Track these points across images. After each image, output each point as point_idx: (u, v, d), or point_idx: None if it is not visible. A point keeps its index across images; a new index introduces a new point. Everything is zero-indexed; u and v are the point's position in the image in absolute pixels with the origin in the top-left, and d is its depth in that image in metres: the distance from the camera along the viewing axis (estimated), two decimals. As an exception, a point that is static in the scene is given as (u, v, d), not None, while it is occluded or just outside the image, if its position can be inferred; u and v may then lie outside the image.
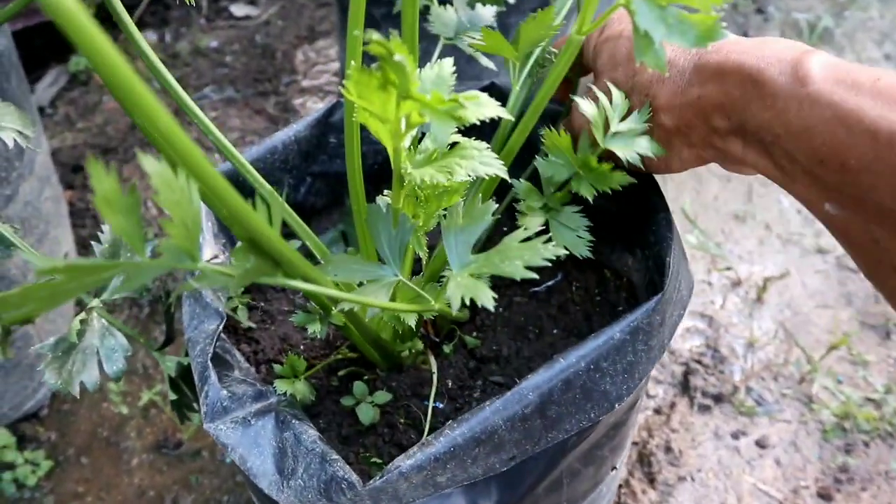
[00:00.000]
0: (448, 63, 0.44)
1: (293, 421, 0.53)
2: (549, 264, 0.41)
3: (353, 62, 0.40)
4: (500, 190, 0.74)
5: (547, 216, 0.62)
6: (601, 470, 0.66)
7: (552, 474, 0.57)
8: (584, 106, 0.54)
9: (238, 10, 1.75)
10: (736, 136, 0.47)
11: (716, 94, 0.47)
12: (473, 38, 0.68)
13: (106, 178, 0.30)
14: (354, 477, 0.47)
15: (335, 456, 0.49)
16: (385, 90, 0.38)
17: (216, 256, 0.66)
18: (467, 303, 0.41)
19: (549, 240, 0.43)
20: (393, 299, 0.56)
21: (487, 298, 0.41)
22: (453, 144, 0.45)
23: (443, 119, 0.37)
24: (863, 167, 0.38)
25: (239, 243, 0.37)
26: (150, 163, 0.31)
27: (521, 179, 0.62)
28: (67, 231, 1.07)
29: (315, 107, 1.54)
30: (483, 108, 0.39)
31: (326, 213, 0.82)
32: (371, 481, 0.46)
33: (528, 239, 0.44)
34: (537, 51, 0.65)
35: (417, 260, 0.62)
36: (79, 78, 1.55)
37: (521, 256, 0.42)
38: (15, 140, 0.65)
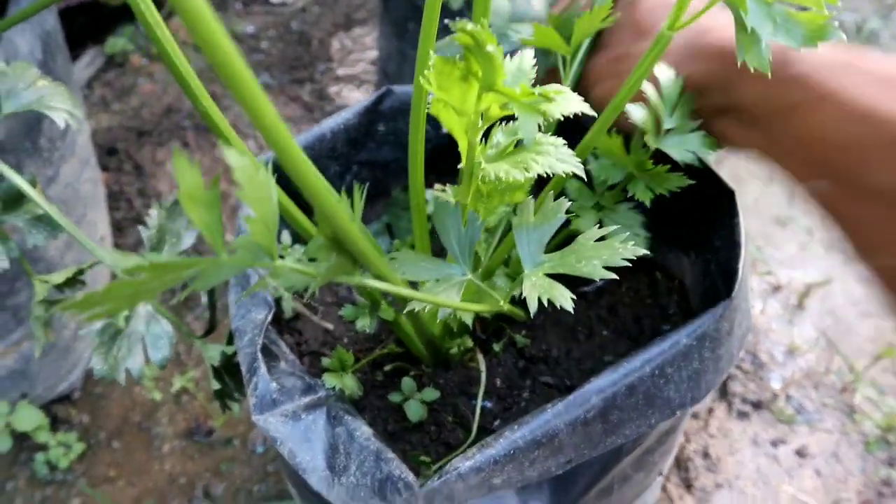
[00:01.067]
0: (529, 54, 0.42)
1: (345, 416, 0.52)
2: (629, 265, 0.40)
3: (431, 52, 0.38)
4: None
5: (600, 214, 0.60)
6: (650, 475, 0.64)
7: (605, 479, 0.56)
8: (634, 112, 0.52)
9: (274, -4, 1.74)
10: (725, 114, 0.48)
11: (704, 74, 0.47)
12: (520, 33, 0.66)
13: (190, 172, 0.29)
14: (411, 477, 0.46)
15: (391, 455, 0.47)
16: (466, 81, 0.37)
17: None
18: (545, 303, 0.40)
19: (627, 239, 0.42)
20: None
21: (566, 299, 0.39)
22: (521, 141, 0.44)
23: (529, 113, 0.35)
24: (851, 145, 0.39)
25: (317, 240, 0.36)
26: (235, 157, 0.30)
27: (572, 179, 0.60)
28: (104, 214, 1.07)
29: (351, 95, 1.52)
30: (569, 103, 0.37)
31: (370, 203, 0.80)
32: (428, 482, 0.45)
33: (602, 238, 0.43)
34: (585, 43, 0.63)
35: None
36: (115, 60, 1.55)
37: (598, 256, 0.41)
38: (65, 120, 0.65)
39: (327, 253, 0.35)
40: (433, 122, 0.76)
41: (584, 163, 0.61)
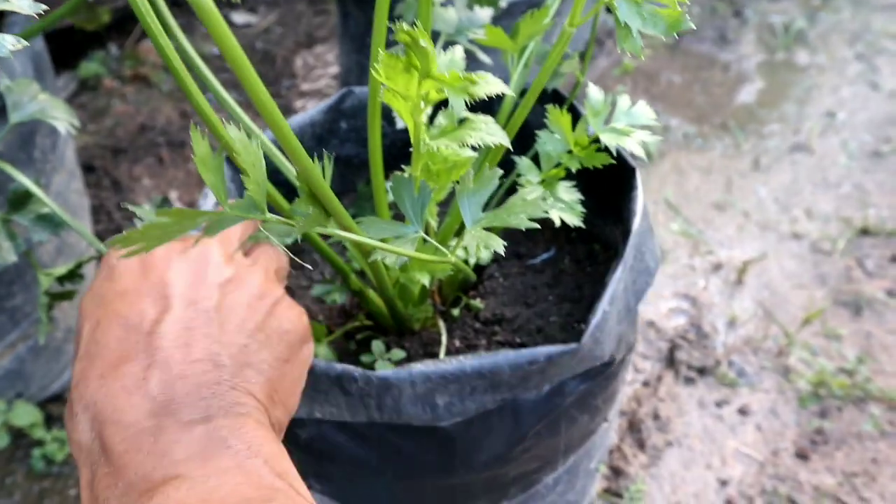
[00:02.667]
0: (459, 50, 0.51)
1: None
2: (544, 234, 0.49)
3: (380, 50, 0.47)
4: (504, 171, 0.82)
5: (544, 189, 0.69)
6: (595, 419, 0.73)
7: (551, 416, 0.64)
8: (593, 92, 0.62)
9: (239, 17, 1.83)
10: None
11: None
12: (476, 34, 0.76)
13: (202, 143, 0.37)
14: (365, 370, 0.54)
15: (341, 363, 0.55)
16: (408, 72, 0.46)
17: None
18: (482, 254, 0.48)
19: (545, 199, 0.51)
20: (406, 266, 0.63)
21: (499, 245, 0.48)
22: (463, 120, 0.52)
23: (458, 93, 0.44)
24: None
25: (300, 198, 0.44)
26: (234, 131, 0.38)
27: (522, 157, 0.70)
28: (88, 224, 1.14)
29: (316, 108, 1.61)
30: (491, 85, 0.46)
31: (337, 197, 0.89)
32: (382, 373, 0.53)
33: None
34: (531, 45, 0.73)
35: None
36: (88, 83, 1.62)
37: (525, 210, 0.50)
38: (59, 130, 0.73)
39: (306, 206, 0.43)
40: (389, 118, 0.85)
41: (530, 144, 0.71)
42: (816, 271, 1.27)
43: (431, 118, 0.61)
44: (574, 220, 0.67)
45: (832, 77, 1.69)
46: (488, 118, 0.52)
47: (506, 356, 0.54)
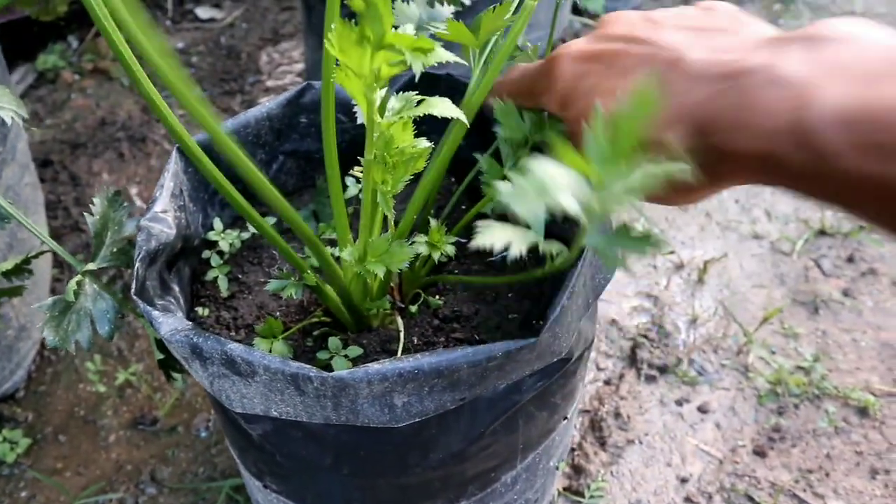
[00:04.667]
0: (410, 28, 0.51)
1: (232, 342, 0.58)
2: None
3: (333, 24, 0.46)
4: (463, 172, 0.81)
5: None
6: (553, 417, 0.73)
7: (508, 412, 0.64)
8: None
9: (203, 12, 1.80)
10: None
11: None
12: (437, 28, 0.76)
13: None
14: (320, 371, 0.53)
15: (295, 362, 0.54)
16: (361, 45, 0.45)
17: (166, 210, 0.70)
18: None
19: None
20: (363, 257, 0.63)
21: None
22: (420, 102, 0.52)
23: (416, 56, 0.44)
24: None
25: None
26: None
27: (483, 154, 0.69)
28: (43, 219, 1.11)
29: (280, 104, 1.59)
30: (442, 54, 0.46)
31: (297, 194, 0.88)
32: (338, 372, 0.52)
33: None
34: (492, 40, 0.72)
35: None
36: (46, 76, 1.58)
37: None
38: (2, 121, 0.70)
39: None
40: (350, 113, 0.84)
41: (491, 142, 0.70)
42: (775, 271, 1.29)
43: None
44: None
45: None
46: (444, 98, 0.52)
47: (463, 352, 0.53)
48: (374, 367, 0.53)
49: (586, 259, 0.61)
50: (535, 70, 0.59)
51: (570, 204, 0.39)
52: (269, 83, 1.63)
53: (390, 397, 0.55)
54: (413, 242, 0.62)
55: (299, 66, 1.67)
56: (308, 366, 0.53)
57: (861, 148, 0.34)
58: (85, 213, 1.26)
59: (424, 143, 0.58)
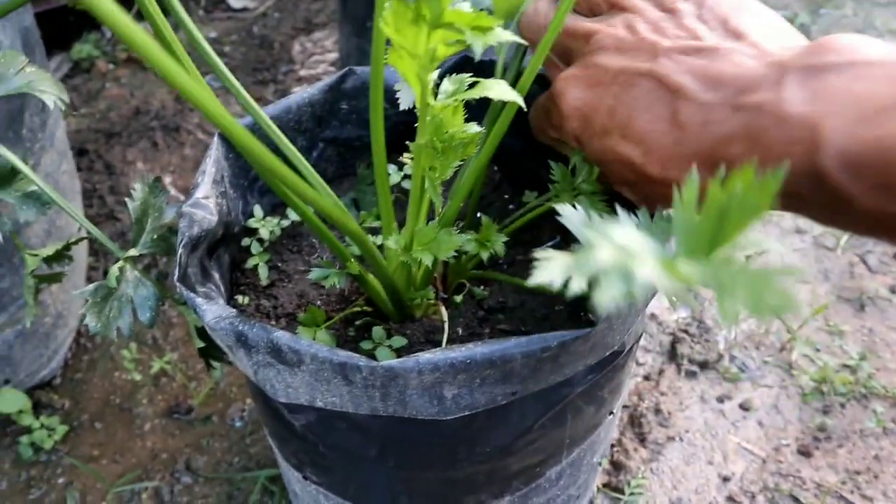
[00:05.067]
0: (466, 5, 0.49)
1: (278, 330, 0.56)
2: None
3: (386, 3, 0.45)
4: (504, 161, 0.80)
5: (575, 200, 0.67)
6: (600, 411, 0.71)
7: (558, 406, 0.62)
8: None
9: (236, 2, 1.80)
10: None
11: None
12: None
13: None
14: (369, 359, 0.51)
15: (342, 350, 0.53)
16: (417, 24, 0.44)
17: (207, 197, 0.69)
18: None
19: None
20: (410, 245, 0.61)
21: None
22: (473, 84, 0.50)
23: (475, 33, 0.43)
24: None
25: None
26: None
27: (559, 164, 0.67)
28: (80, 207, 1.11)
29: (313, 94, 1.58)
30: (502, 34, 0.45)
31: (337, 181, 0.87)
32: (388, 362, 0.51)
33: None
34: (511, 25, 0.70)
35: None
36: (81, 65, 1.59)
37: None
38: (44, 105, 0.70)
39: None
40: (392, 100, 0.83)
41: (544, 146, 0.68)
42: (819, 266, 1.25)
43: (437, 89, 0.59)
44: None
45: (835, 72, 1.67)
46: (500, 80, 0.50)
47: (517, 342, 0.51)
48: (425, 356, 0.51)
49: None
50: (542, 106, 0.59)
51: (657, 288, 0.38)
52: (302, 72, 1.62)
53: (440, 388, 0.53)
54: (461, 233, 0.60)
55: (332, 56, 1.66)
56: (357, 355, 0.52)
57: (875, 189, 0.35)
58: (125, 200, 1.26)
59: (475, 128, 0.56)
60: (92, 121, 1.47)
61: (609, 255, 0.38)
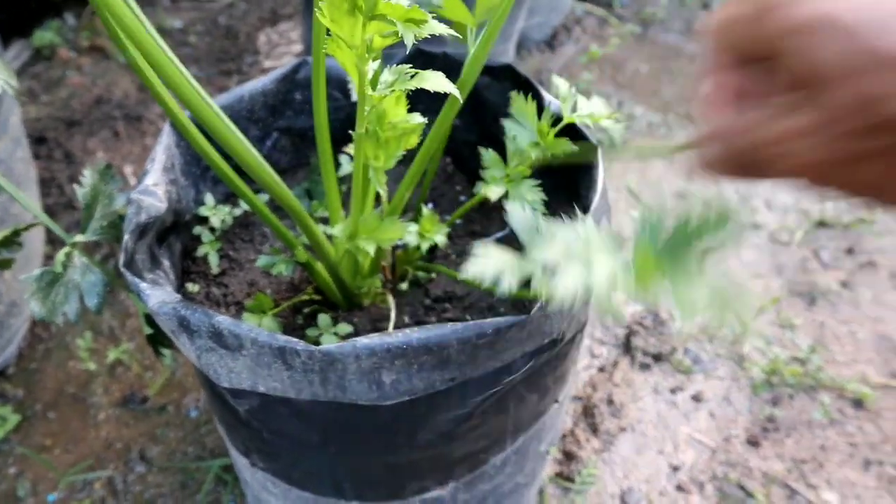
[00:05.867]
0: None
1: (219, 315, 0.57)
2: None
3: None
4: (459, 154, 0.80)
5: (508, 186, 0.68)
6: (544, 400, 0.72)
7: (498, 393, 0.63)
8: (560, 82, 0.62)
9: (202, -8, 1.79)
10: None
11: None
12: (433, 5, 0.75)
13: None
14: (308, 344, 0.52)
15: (282, 335, 0.53)
16: (353, 15, 0.44)
17: (157, 184, 0.70)
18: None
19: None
20: (355, 233, 0.62)
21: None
22: (413, 76, 0.51)
23: (408, 27, 0.43)
24: None
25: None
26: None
27: (489, 149, 0.68)
28: (36, 195, 1.10)
29: (278, 86, 1.58)
30: (435, 26, 0.45)
31: (291, 172, 0.87)
32: (326, 346, 0.51)
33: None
34: (489, 22, 0.71)
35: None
36: (42, 53, 1.57)
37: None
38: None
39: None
40: (345, 90, 0.83)
41: (498, 137, 0.69)
42: (773, 261, 1.28)
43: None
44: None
45: (795, 71, 1.70)
46: (438, 73, 0.51)
47: (453, 328, 0.52)
48: (362, 340, 0.52)
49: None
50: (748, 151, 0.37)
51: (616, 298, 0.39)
52: (267, 63, 1.62)
53: (378, 374, 0.54)
54: (405, 222, 0.61)
55: (297, 48, 1.66)
56: (296, 339, 0.53)
57: None
58: (75, 186, 1.25)
59: (418, 119, 0.57)
60: (52, 109, 1.46)
61: (565, 250, 0.39)
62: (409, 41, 0.45)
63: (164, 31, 1.66)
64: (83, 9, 1.67)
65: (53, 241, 1.21)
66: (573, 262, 0.40)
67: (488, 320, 0.54)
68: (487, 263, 0.42)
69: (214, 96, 1.45)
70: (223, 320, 0.55)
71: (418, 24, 0.46)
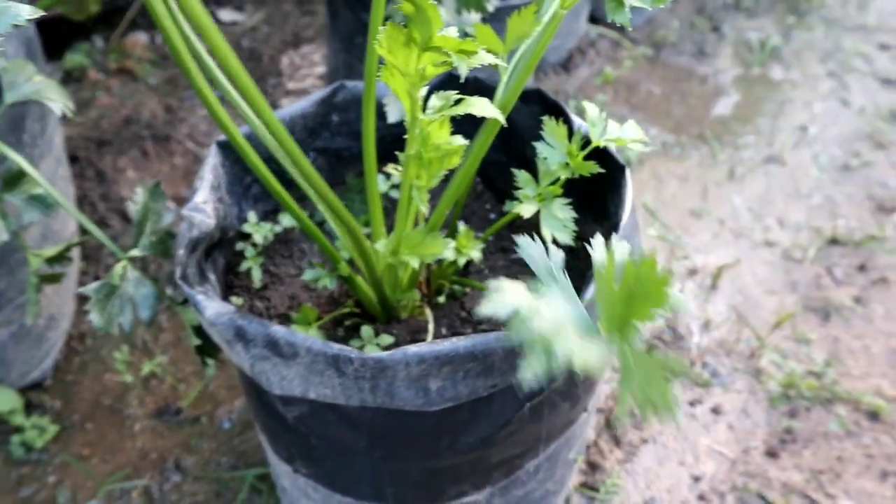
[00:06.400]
0: (453, 30, 0.53)
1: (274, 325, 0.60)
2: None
3: (380, 27, 0.49)
4: (488, 174, 0.83)
5: (540, 205, 0.71)
6: (575, 408, 0.75)
7: (535, 400, 0.66)
8: (590, 108, 0.65)
9: (226, 15, 1.83)
10: None
11: None
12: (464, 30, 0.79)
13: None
14: (360, 352, 0.55)
15: (335, 344, 0.57)
16: (408, 46, 0.48)
17: (206, 202, 0.73)
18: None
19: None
20: (398, 249, 0.65)
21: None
22: (458, 101, 0.55)
23: (461, 57, 0.47)
24: None
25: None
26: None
27: (521, 170, 0.71)
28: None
29: (301, 106, 1.62)
30: (485, 57, 0.49)
31: (327, 190, 0.90)
32: (377, 354, 0.55)
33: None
34: (521, 48, 0.74)
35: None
36: (73, 75, 1.61)
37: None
38: (44, 112, 0.73)
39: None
40: (381, 114, 0.87)
41: (526, 158, 0.73)
42: (787, 278, 1.31)
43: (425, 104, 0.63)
44: (565, 239, 0.69)
45: (805, 92, 1.74)
46: (483, 98, 0.54)
47: (497, 336, 0.55)
48: (412, 349, 0.55)
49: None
50: None
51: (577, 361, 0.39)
52: (290, 85, 1.66)
53: (426, 380, 0.57)
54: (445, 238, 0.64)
55: (320, 70, 1.70)
56: (349, 347, 0.56)
57: None
58: (116, 207, 1.28)
59: (460, 141, 0.61)
60: (83, 129, 1.50)
61: (538, 329, 0.40)
62: (464, 71, 0.48)
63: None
64: (111, 32, 1.72)
65: (87, 257, 1.25)
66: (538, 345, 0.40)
67: (531, 329, 0.57)
68: (501, 302, 0.42)
69: (241, 118, 1.48)
70: (279, 329, 0.58)
71: (469, 55, 0.50)
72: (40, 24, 1.53)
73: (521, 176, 0.71)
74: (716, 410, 1.11)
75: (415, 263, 0.63)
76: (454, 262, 0.74)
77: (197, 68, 0.57)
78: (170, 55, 1.68)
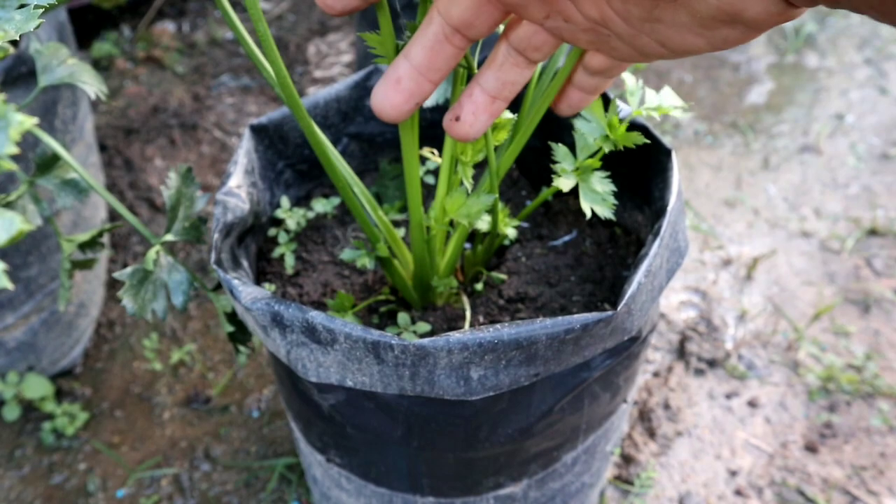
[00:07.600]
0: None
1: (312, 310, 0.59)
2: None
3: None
4: (524, 160, 0.82)
5: (578, 179, 0.69)
6: (615, 399, 0.73)
7: (577, 390, 0.64)
8: (627, 77, 0.63)
9: (252, 4, 1.83)
10: None
11: None
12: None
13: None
14: (401, 339, 0.54)
15: (374, 329, 0.55)
16: None
17: (240, 186, 0.72)
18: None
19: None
20: (441, 217, 0.63)
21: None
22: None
23: None
24: None
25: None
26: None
27: (559, 144, 0.70)
28: (102, 199, 1.14)
29: (329, 95, 1.61)
30: None
31: (360, 176, 0.89)
32: (419, 341, 0.53)
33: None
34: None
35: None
36: (100, 64, 1.61)
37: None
38: (75, 98, 0.72)
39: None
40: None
41: (568, 133, 0.71)
42: (825, 269, 1.28)
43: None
44: (606, 213, 0.67)
45: (841, 80, 1.70)
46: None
47: (542, 324, 0.54)
48: (455, 335, 0.53)
49: (664, 240, 0.61)
50: None
51: None
52: (317, 73, 1.65)
53: (467, 368, 0.55)
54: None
55: (347, 58, 1.69)
56: (389, 334, 0.54)
57: None
58: (144, 195, 1.28)
59: (507, 115, 0.59)
60: (111, 118, 1.50)
61: None
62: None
63: (216, 43, 1.70)
64: (138, 21, 1.72)
65: (116, 245, 1.25)
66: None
67: (576, 315, 0.55)
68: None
69: (268, 106, 1.48)
70: (317, 315, 0.57)
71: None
72: (68, 13, 1.53)
73: (559, 150, 0.69)
74: (752, 403, 1.09)
75: (465, 222, 0.61)
76: (489, 248, 0.72)
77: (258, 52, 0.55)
78: (196, 45, 1.68)
